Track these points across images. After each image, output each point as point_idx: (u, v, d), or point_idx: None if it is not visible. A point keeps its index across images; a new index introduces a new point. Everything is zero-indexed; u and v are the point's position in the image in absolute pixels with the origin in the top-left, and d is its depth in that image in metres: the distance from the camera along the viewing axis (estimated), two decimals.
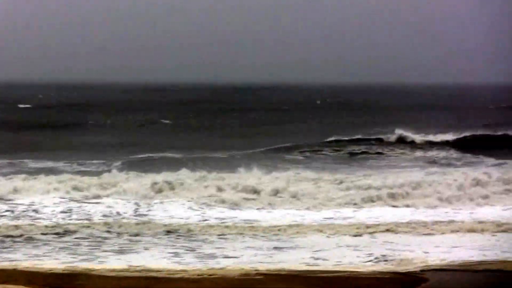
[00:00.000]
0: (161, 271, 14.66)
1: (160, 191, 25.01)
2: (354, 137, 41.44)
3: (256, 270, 14.27)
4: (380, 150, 38.39)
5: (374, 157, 36.70)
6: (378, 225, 20.45)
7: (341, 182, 26.30)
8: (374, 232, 19.62)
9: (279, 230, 19.72)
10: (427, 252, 17.06)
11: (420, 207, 23.62)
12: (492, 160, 33.60)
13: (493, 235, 19.29)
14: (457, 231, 19.86)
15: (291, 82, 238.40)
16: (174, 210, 22.69)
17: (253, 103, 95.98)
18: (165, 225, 20.35)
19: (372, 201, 24.14)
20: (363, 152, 37.93)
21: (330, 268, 14.95)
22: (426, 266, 15.16)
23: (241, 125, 58.29)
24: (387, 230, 19.84)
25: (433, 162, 34.94)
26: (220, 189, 25.20)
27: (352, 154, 37.47)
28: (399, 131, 41.78)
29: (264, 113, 72.70)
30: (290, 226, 20.23)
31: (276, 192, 24.92)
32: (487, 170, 29.26)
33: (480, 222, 20.77)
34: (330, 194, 24.75)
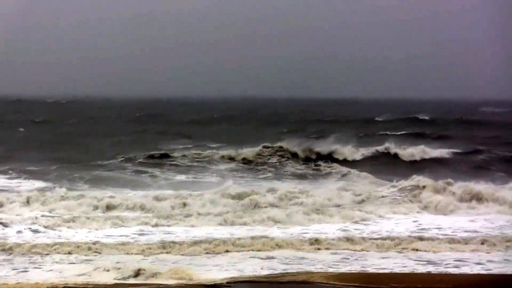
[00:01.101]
0: None
1: None
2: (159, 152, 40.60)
3: (64, 284, 14.42)
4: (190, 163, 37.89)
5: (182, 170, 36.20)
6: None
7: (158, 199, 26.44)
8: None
9: (78, 246, 19.74)
10: (210, 270, 17.54)
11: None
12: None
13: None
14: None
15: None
16: None
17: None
18: None
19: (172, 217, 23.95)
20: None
21: (139, 282, 15.30)
22: (233, 278, 15.67)
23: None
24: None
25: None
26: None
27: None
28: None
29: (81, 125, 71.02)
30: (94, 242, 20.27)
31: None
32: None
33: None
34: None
